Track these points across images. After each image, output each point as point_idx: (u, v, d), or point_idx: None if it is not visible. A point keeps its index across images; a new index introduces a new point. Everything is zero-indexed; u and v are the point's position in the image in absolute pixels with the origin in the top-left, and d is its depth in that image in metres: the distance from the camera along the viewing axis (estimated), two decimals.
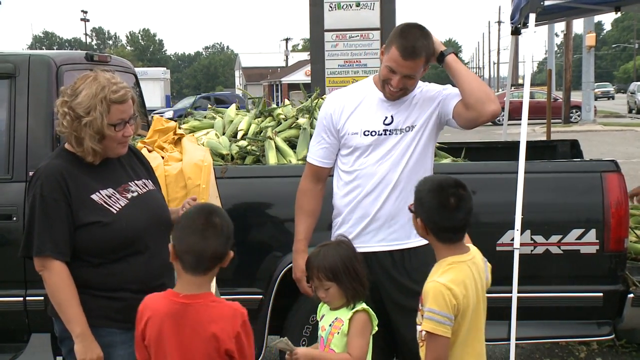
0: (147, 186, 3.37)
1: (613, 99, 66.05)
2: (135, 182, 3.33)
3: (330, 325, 3.22)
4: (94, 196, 3.15)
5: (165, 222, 3.35)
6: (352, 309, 3.20)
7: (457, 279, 2.85)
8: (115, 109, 3.12)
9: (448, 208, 2.88)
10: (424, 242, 3.57)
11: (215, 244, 2.70)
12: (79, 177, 3.16)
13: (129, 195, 3.25)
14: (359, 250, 3.48)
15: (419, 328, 2.94)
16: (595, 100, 62.24)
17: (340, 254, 3.25)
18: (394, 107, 3.57)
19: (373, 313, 3.24)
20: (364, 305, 3.21)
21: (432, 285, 2.84)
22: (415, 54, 3.40)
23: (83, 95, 3.09)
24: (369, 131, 3.55)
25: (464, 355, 2.92)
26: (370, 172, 3.54)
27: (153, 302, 2.76)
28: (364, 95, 3.64)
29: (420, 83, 3.66)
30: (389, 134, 3.54)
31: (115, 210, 3.16)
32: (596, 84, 71.45)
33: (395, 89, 3.48)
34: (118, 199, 3.20)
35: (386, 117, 3.56)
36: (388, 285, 3.56)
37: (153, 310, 2.72)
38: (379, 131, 3.54)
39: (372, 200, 3.56)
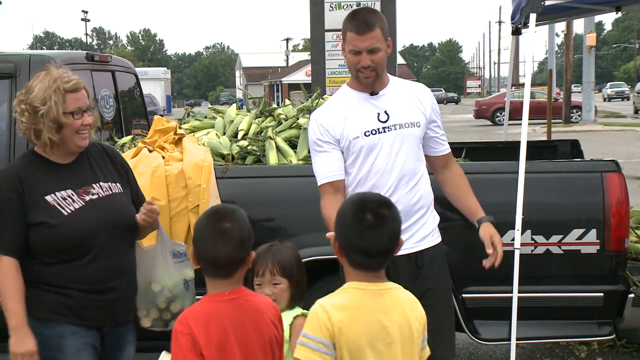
0: (111, 189, 3.39)
1: (628, 99, 59.65)
2: (100, 184, 3.36)
3: None
4: (48, 197, 3.20)
5: (124, 225, 3.38)
6: (291, 312, 3.14)
7: (343, 304, 2.46)
8: (70, 97, 3.20)
9: (362, 224, 2.47)
10: (438, 240, 3.67)
11: (227, 251, 2.61)
12: (37, 178, 3.23)
13: (87, 198, 3.28)
14: None
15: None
16: (609, 101, 61.88)
17: (293, 253, 3.26)
18: (382, 102, 3.59)
19: None
20: (302, 310, 3.14)
21: (314, 305, 2.50)
22: (369, 26, 3.45)
23: (37, 89, 3.19)
24: (368, 131, 3.54)
25: None
26: (384, 168, 3.53)
27: (202, 308, 2.65)
28: (347, 101, 3.63)
29: (403, 81, 3.72)
30: (389, 130, 3.54)
31: (67, 212, 3.20)
32: (609, 83, 70.69)
33: (367, 69, 3.49)
34: (74, 201, 3.24)
35: (379, 114, 3.56)
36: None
37: (207, 315, 2.61)
38: (378, 129, 3.54)
39: (389, 195, 3.48)
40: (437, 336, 3.54)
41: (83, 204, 3.25)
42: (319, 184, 3.63)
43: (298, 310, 3.16)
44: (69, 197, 3.24)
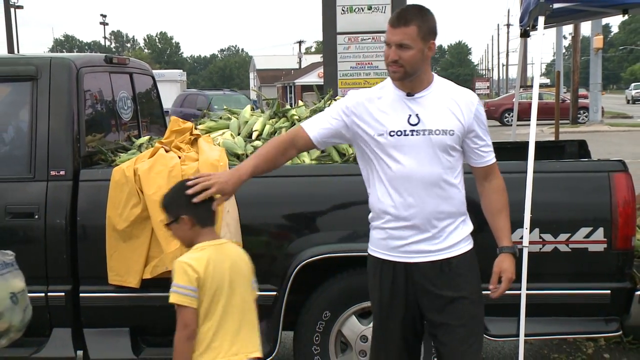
0: None
1: None
2: None
3: None
4: None
5: None
6: None
7: (201, 257, 3.23)
8: None
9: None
10: (469, 247, 3.50)
11: None
12: None
13: None
14: (405, 260, 3.44)
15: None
16: (633, 103, 60.33)
17: None
18: (417, 104, 3.38)
19: None
20: None
21: (176, 264, 3.24)
22: (404, 21, 3.27)
23: None
24: (394, 131, 3.33)
25: (210, 328, 3.24)
26: (407, 172, 3.35)
27: None
28: (384, 95, 3.43)
29: (449, 85, 3.56)
30: (417, 134, 3.34)
31: None
32: (633, 84, 68.55)
33: (394, 63, 3.30)
34: None
35: (410, 115, 3.35)
36: (429, 296, 3.45)
37: None
38: (405, 131, 3.33)
39: (412, 203, 3.37)
40: (464, 344, 3.43)
41: None
42: (303, 123, 3.59)
43: None
44: None
